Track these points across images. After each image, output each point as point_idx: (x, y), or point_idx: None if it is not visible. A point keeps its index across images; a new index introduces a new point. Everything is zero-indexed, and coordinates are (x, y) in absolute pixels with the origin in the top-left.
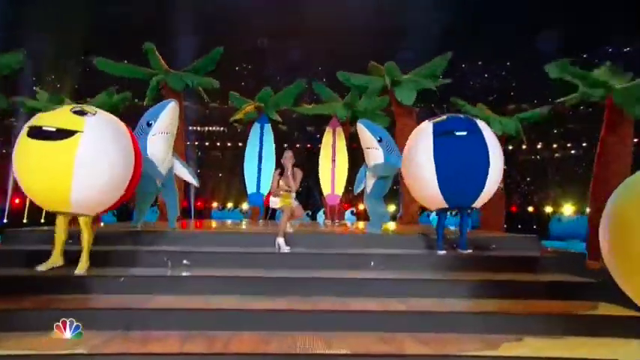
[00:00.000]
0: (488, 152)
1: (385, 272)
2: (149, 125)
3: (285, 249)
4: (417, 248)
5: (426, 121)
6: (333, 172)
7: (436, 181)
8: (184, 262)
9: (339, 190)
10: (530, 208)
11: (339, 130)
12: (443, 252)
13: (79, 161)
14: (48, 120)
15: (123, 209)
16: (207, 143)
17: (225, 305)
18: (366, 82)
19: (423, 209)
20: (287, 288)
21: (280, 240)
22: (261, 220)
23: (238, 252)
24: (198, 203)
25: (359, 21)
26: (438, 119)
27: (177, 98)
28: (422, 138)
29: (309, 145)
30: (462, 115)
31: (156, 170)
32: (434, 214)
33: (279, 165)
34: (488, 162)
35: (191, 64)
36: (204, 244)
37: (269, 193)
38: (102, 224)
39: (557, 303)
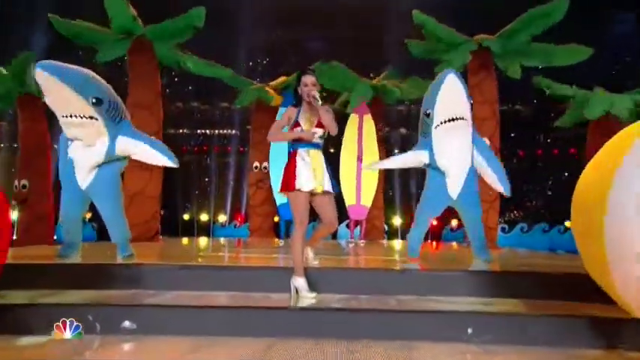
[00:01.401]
0: None
1: (498, 350)
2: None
3: (309, 297)
4: (534, 295)
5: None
6: (358, 176)
7: None
8: (125, 324)
9: (367, 200)
10: None
11: (368, 117)
12: None
13: None
14: None
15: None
16: (216, 148)
17: None
18: (452, 37)
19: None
20: None
21: (299, 282)
22: (282, 241)
23: (226, 305)
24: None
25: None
26: None
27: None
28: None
29: (332, 151)
30: None
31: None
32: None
33: None
34: None
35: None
36: (168, 286)
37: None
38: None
39: None
